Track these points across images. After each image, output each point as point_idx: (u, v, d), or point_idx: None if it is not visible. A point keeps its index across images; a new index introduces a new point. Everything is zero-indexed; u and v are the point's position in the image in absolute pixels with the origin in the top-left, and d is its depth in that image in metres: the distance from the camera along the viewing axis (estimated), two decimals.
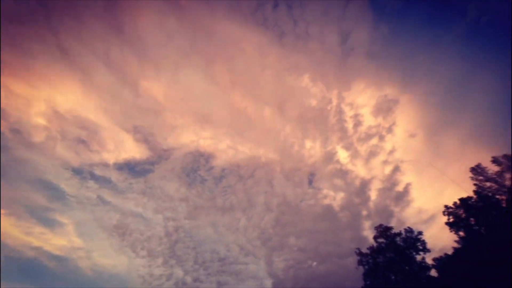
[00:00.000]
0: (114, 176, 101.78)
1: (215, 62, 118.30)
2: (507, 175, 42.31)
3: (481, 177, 43.69)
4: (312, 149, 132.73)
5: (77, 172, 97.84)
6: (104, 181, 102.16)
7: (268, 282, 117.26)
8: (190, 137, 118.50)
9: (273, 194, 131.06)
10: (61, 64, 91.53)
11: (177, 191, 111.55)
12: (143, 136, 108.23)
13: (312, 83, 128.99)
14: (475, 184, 44.18)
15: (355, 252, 47.04)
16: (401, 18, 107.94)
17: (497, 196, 42.41)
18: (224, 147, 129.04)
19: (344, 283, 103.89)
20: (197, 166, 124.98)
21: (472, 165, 45.48)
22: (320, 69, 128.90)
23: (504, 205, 41.45)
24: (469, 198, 43.36)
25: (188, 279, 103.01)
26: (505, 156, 43.37)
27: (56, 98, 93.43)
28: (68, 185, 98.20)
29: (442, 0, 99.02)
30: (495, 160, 43.75)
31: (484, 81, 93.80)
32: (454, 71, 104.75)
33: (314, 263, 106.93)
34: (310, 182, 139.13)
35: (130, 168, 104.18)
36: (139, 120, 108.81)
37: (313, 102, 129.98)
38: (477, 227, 41.55)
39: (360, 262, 46.25)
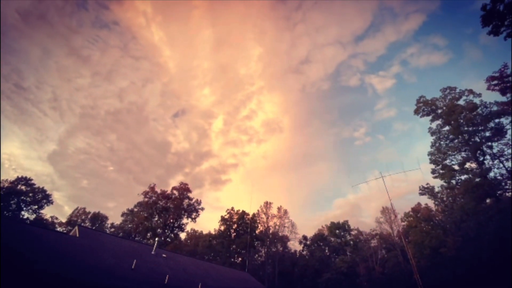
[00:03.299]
0: None
1: None
2: (272, 220, 59.23)
3: (264, 209, 58.29)
4: (204, 97, 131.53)
5: None
6: None
7: (50, 146, 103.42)
8: None
9: (138, 91, 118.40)
10: None
11: None
12: None
13: (257, 58, 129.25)
14: (258, 210, 58.61)
15: (150, 185, 50.27)
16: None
17: (259, 225, 58.37)
18: (140, 9, 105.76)
19: (116, 197, 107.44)
20: None
21: (269, 201, 60.44)
22: (272, 58, 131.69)
23: (257, 232, 57.34)
24: (247, 214, 56.89)
25: None
26: (285, 210, 60.42)
27: None
28: None
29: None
30: (279, 208, 59.97)
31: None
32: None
33: (111, 168, 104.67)
34: (176, 115, 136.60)
35: None
36: None
37: (242, 71, 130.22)
38: (232, 231, 55.10)
39: (145, 193, 49.72)
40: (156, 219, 49.44)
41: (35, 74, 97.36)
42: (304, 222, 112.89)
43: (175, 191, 50.94)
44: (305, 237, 63.16)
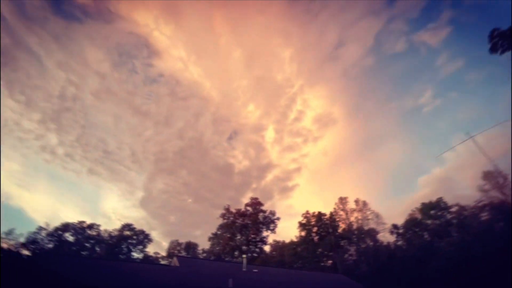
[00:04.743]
0: None
1: None
2: (353, 215, 55.49)
3: (340, 206, 55.34)
4: (250, 113, 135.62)
5: None
6: None
7: (139, 194, 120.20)
8: (147, 19, 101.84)
9: (193, 126, 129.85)
10: None
11: (98, 62, 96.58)
12: None
13: (289, 60, 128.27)
14: (334, 208, 55.93)
15: (225, 207, 53.33)
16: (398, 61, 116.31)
17: (340, 223, 55.50)
18: (176, 56, 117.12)
19: (200, 225, 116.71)
20: (136, 53, 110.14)
21: (343, 196, 57.19)
22: (304, 55, 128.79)
23: (340, 231, 54.51)
24: (324, 214, 54.83)
25: (60, 150, 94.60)
26: (364, 202, 56.24)
27: None
28: None
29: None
30: (356, 201, 56.16)
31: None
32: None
33: (189, 200, 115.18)
34: (230, 138, 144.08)
35: None
36: None
37: (279, 77, 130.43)
38: (314, 235, 53.54)
39: (223, 215, 52.90)
40: (238, 237, 51.84)
41: (115, 139, 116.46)
42: (388, 210, 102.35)
43: (248, 208, 52.83)
44: (395, 226, 56.95)
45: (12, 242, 48.85)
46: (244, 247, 49.55)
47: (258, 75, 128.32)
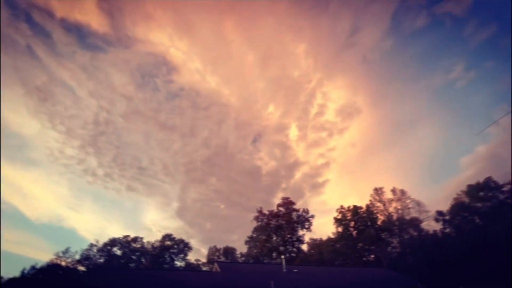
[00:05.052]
0: (58, 32, 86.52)
1: None
2: (391, 205, 52.67)
3: (376, 197, 52.96)
4: (271, 114, 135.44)
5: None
6: (41, 32, 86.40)
7: (175, 205, 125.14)
8: (162, 38, 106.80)
9: (217, 134, 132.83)
10: None
11: (123, 86, 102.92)
12: (109, 7, 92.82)
13: (304, 55, 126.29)
14: (370, 200, 53.61)
15: (257, 209, 53.61)
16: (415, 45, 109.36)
17: (378, 215, 52.97)
18: (193, 68, 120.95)
19: (235, 229, 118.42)
20: (156, 72, 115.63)
21: (378, 186, 54.61)
22: (318, 47, 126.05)
23: (379, 223, 52.10)
24: (360, 207, 52.79)
25: (100, 171, 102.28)
26: (401, 190, 53.27)
27: None
28: None
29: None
30: (393, 190, 53.36)
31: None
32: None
33: (222, 206, 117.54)
34: (254, 141, 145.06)
35: (80, 34, 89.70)
36: None
37: (295, 73, 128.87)
38: (351, 229, 51.74)
39: (256, 218, 53.20)
40: (274, 238, 51.77)
41: (146, 155, 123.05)
42: (430, 197, 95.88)
43: (280, 208, 52.61)
44: (440, 213, 53.04)
45: (69, 260, 53.39)
46: (281, 248, 49.35)
47: (274, 75, 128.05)
